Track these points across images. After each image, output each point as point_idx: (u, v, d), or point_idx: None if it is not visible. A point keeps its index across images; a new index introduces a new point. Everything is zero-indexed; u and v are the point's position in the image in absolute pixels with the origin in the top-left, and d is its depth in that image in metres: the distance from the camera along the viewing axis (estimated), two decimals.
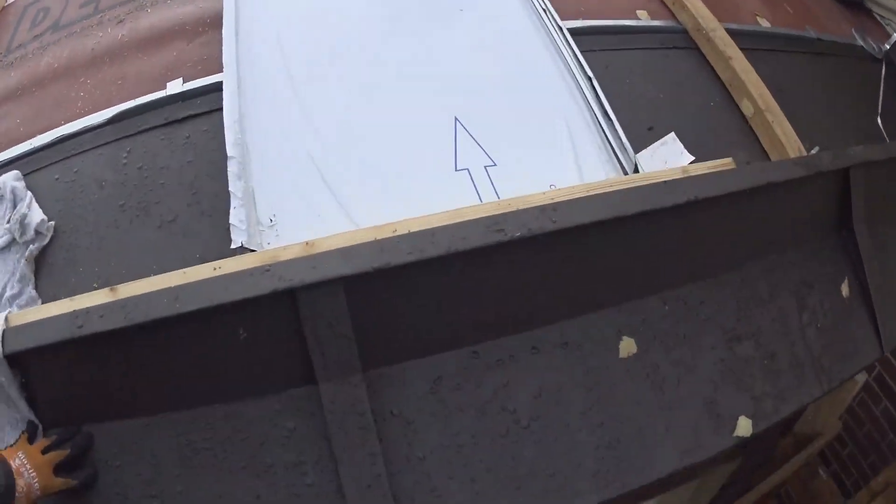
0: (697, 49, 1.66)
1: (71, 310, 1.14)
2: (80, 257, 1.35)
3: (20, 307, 1.34)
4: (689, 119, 1.49)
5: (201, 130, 1.36)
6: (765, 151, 1.56)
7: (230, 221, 1.13)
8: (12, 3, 1.99)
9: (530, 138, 1.32)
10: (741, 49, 1.63)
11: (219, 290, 1.07)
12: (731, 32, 1.67)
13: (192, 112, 1.37)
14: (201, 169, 1.31)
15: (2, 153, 1.57)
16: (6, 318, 1.22)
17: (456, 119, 1.31)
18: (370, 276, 1.05)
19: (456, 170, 1.24)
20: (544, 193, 1.16)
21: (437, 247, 1.05)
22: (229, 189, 1.16)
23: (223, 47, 1.39)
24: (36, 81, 1.65)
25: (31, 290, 1.37)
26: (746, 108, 1.58)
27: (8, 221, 1.45)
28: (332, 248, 1.07)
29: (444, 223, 1.09)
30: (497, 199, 1.19)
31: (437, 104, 1.34)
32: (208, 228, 1.23)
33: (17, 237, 1.43)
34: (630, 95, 1.47)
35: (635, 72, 1.54)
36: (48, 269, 1.37)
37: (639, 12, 1.70)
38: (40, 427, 1.15)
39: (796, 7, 2.06)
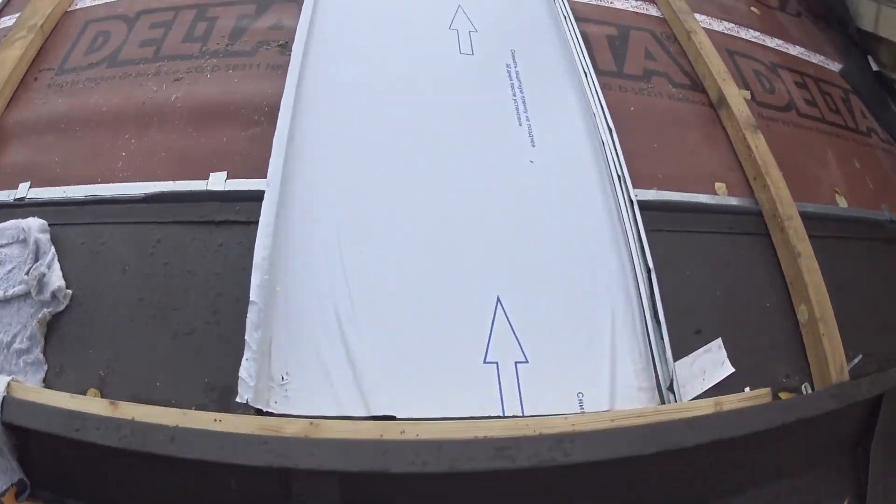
0: (768, 235, 1.59)
1: (70, 408, 1.16)
2: (92, 338, 1.34)
3: (26, 364, 1.35)
4: (740, 321, 1.45)
5: (235, 242, 1.33)
6: (807, 362, 1.52)
7: (239, 373, 1.10)
8: (75, 10, 1.93)
9: (570, 333, 1.28)
10: (812, 237, 1.57)
11: (215, 446, 1.07)
12: (805, 216, 1.61)
13: (229, 218, 1.33)
14: (227, 288, 1.28)
15: (34, 188, 1.54)
16: (8, 386, 1.24)
17: (498, 300, 1.27)
18: (368, 476, 1.03)
19: (485, 362, 1.20)
20: (566, 418, 1.13)
21: (440, 462, 1.03)
22: (245, 337, 1.12)
23: (270, 163, 1.34)
24: (82, 120, 1.62)
25: (38, 353, 1.37)
26: (801, 314, 1.53)
27: (27, 273, 1.44)
28: (336, 436, 1.06)
29: (455, 435, 1.07)
30: (517, 416, 1.15)
31: (482, 276, 1.31)
32: (222, 356, 1.21)
33: (34, 294, 1.41)
34: (686, 289, 1.43)
35: (698, 260, 1.49)
36: (60, 335, 1.36)
37: (717, 185, 1.65)
38: (29, 485, 1.18)
39: (877, 179, 1.99)
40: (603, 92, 1.69)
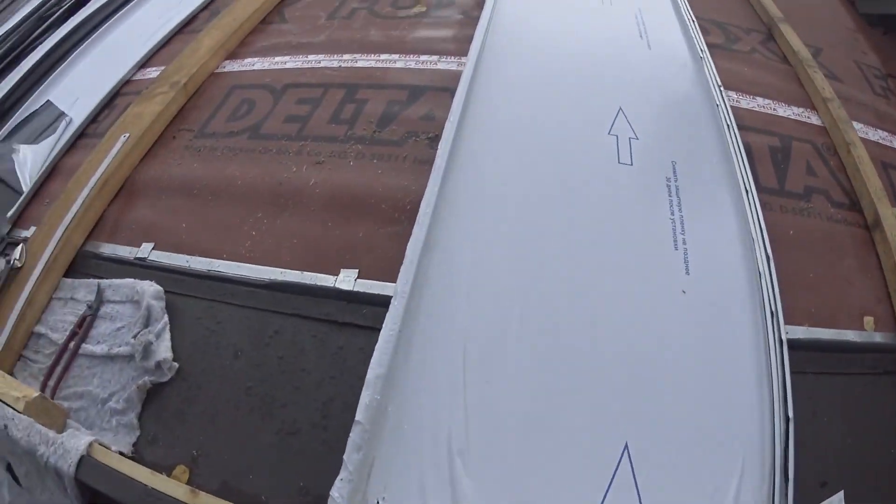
0: None
1: (150, 485, 1.42)
2: (192, 416, 1.61)
3: (119, 424, 1.66)
4: (870, 472, 1.56)
5: (357, 347, 1.57)
6: None
7: (331, 492, 1.29)
8: (222, 72, 2.36)
9: (694, 486, 1.40)
10: None
11: None
12: None
13: (354, 321, 1.58)
14: (340, 394, 1.51)
15: (157, 251, 1.88)
16: (90, 446, 1.53)
17: (626, 447, 1.41)
18: None
19: None
20: None
21: None
22: (344, 456, 1.32)
23: (401, 273, 1.59)
24: (215, 189, 1.98)
25: (133, 417, 1.67)
26: None
27: (134, 337, 1.74)
28: None
29: None
30: None
31: (612, 418, 1.46)
32: (323, 462, 1.42)
33: (138, 359, 1.71)
34: (819, 437, 1.55)
35: (836, 406, 1.62)
36: (158, 405, 1.65)
37: (865, 319, 1.78)
38: None
39: None
40: (763, 212, 1.88)
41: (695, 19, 2.73)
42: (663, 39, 2.63)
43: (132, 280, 1.85)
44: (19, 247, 2.04)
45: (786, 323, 1.66)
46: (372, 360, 1.44)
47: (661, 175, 1.97)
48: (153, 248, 1.90)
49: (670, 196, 1.91)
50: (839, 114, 2.30)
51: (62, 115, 2.43)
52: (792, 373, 1.58)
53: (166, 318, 1.77)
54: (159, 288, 1.80)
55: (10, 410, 1.59)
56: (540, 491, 1.38)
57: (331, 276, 1.68)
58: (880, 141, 2.37)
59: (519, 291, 1.64)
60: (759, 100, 2.39)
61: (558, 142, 2.04)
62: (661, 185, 1.93)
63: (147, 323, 1.78)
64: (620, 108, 2.19)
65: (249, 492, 1.44)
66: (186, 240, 1.89)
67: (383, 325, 1.49)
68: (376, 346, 1.45)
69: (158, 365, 1.68)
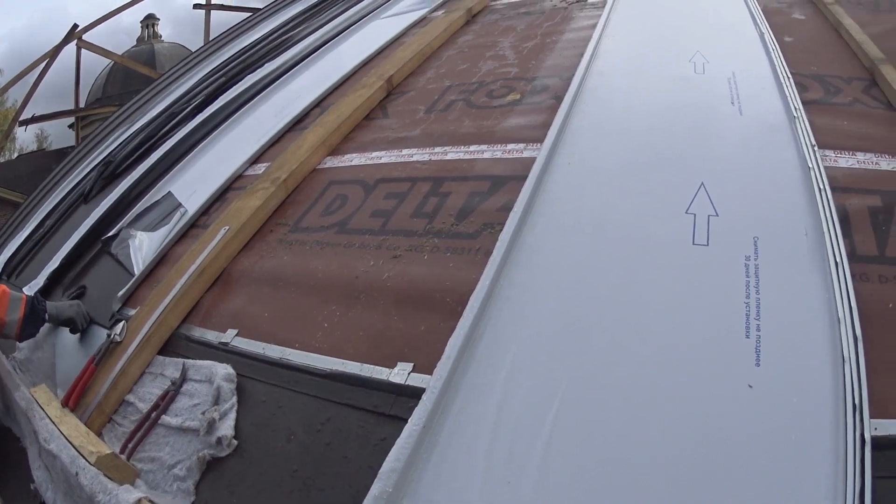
0: None
1: None
2: (241, 491, 2.02)
3: (179, 489, 2.13)
4: None
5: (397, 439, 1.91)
6: None
7: None
8: (324, 168, 2.95)
9: None
10: None
11: None
12: None
13: (399, 413, 1.91)
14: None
15: (239, 337, 2.40)
16: (138, 501, 2.01)
17: None
18: None
19: None
20: None
21: None
22: None
23: (439, 363, 1.89)
24: (297, 281, 2.48)
25: (191, 485, 2.13)
26: None
27: (203, 413, 2.24)
28: None
29: None
30: None
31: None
32: None
33: (202, 433, 2.19)
34: None
35: None
36: (214, 476, 2.09)
37: None
38: None
39: None
40: (858, 283, 1.92)
41: (790, 76, 2.93)
42: (756, 104, 2.86)
43: (211, 362, 2.35)
44: (121, 323, 2.66)
45: (877, 416, 1.66)
46: (390, 453, 1.70)
47: (739, 254, 2.10)
48: (236, 335, 2.40)
49: (747, 277, 2.02)
50: None
51: (179, 206, 3.12)
52: (880, 478, 1.57)
53: (234, 399, 2.22)
54: (231, 371, 2.27)
55: (84, 461, 2.12)
56: None
57: (387, 369, 2.03)
58: None
59: (560, 389, 1.83)
60: (860, 155, 2.48)
61: (629, 228, 2.26)
62: (738, 266, 2.06)
63: (216, 401, 2.27)
64: (702, 184, 2.39)
65: None
66: (266, 328, 2.36)
67: (410, 417, 1.77)
68: (398, 440, 1.73)
69: (219, 440, 2.12)
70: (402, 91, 3.50)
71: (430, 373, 1.96)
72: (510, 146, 2.83)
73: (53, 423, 2.46)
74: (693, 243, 2.19)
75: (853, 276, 1.98)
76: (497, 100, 3.24)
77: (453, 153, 2.85)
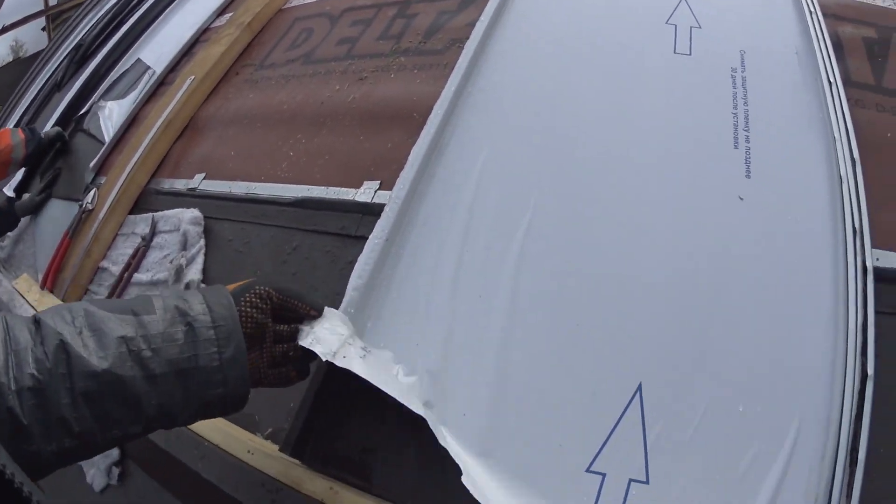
0: None
1: None
2: None
3: None
4: None
5: None
6: None
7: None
8: (289, 7, 2.49)
9: (725, 452, 1.17)
10: None
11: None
12: None
13: (366, 234, 1.55)
14: None
15: (207, 180, 2.03)
16: None
17: (639, 389, 1.25)
18: None
19: (587, 470, 1.17)
20: None
21: None
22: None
23: (402, 173, 1.55)
24: (264, 116, 2.08)
25: None
26: None
27: (171, 262, 1.89)
28: None
29: None
30: None
31: (631, 349, 1.29)
32: (315, 382, 1.41)
33: (170, 282, 1.85)
34: None
35: None
36: None
37: None
38: None
39: None
40: (854, 109, 1.60)
41: None
42: None
43: (179, 209, 2.01)
44: (92, 191, 2.30)
45: (876, 246, 1.37)
46: (353, 271, 1.40)
47: (726, 65, 1.76)
48: (204, 178, 2.04)
49: (734, 88, 1.70)
50: None
51: (147, 69, 2.71)
52: (880, 313, 1.28)
53: (202, 242, 1.89)
54: (198, 214, 1.93)
55: None
56: (525, 433, 1.24)
57: (353, 190, 1.68)
58: None
59: (532, 194, 1.52)
60: None
61: (602, 35, 1.90)
62: (724, 76, 1.73)
63: (184, 248, 1.93)
64: None
65: (245, 411, 1.49)
66: (233, 167, 2.00)
67: (371, 234, 1.45)
68: (360, 256, 1.42)
69: (188, 286, 1.81)
70: None
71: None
72: None
73: (33, 307, 2.19)
74: (675, 52, 1.82)
75: (849, 100, 1.63)
76: None
77: None
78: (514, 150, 1.64)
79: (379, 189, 1.66)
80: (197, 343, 0.93)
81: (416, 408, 1.19)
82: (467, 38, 1.88)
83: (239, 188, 1.92)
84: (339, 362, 1.19)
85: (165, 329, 0.92)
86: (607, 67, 1.81)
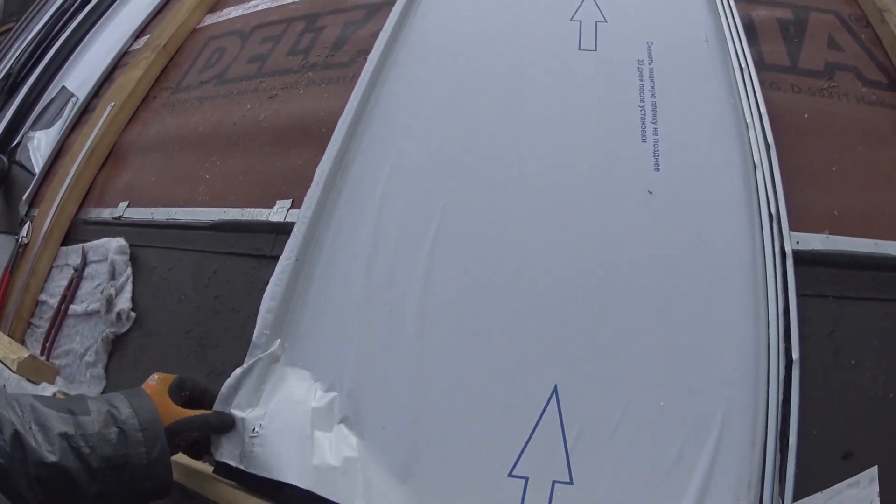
0: None
1: None
2: (143, 363, 1.71)
3: (92, 376, 1.83)
4: None
5: None
6: None
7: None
8: (203, 27, 2.45)
9: (651, 447, 1.17)
10: None
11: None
12: None
13: (280, 253, 1.54)
14: None
15: (131, 208, 2.03)
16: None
17: (555, 391, 1.24)
18: None
19: (510, 475, 1.17)
20: None
21: None
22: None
23: (308, 192, 1.55)
24: (181, 139, 2.07)
25: (101, 369, 1.83)
26: None
27: (101, 293, 1.87)
28: None
29: None
30: None
31: (543, 353, 1.29)
32: None
33: (102, 313, 1.84)
34: (842, 388, 1.24)
35: (867, 343, 1.28)
36: (121, 353, 1.79)
37: None
38: None
39: None
40: (768, 92, 1.59)
41: None
42: None
43: (105, 239, 1.98)
44: (27, 224, 2.26)
45: (797, 230, 1.36)
46: (266, 292, 1.40)
47: (633, 57, 1.73)
48: (128, 206, 2.02)
49: (641, 80, 1.67)
50: None
51: (72, 96, 2.65)
52: (803, 296, 1.27)
53: (129, 270, 1.86)
54: (122, 243, 1.90)
55: (8, 371, 1.81)
56: (441, 439, 1.24)
57: (267, 210, 1.68)
58: None
59: (438, 204, 1.50)
60: None
61: (506, 37, 1.87)
62: (630, 69, 1.70)
63: (112, 277, 1.90)
64: None
65: None
66: (154, 193, 1.98)
67: (281, 256, 1.45)
68: (271, 278, 1.42)
69: (118, 316, 1.80)
70: None
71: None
72: None
73: None
74: (579, 49, 1.79)
75: (762, 84, 1.62)
76: None
77: None
78: (418, 160, 1.63)
79: (291, 207, 1.65)
80: (128, 444, 1.08)
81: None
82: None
83: (160, 214, 1.91)
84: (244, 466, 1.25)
85: (100, 430, 1.06)
86: (510, 70, 1.78)
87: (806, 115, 1.59)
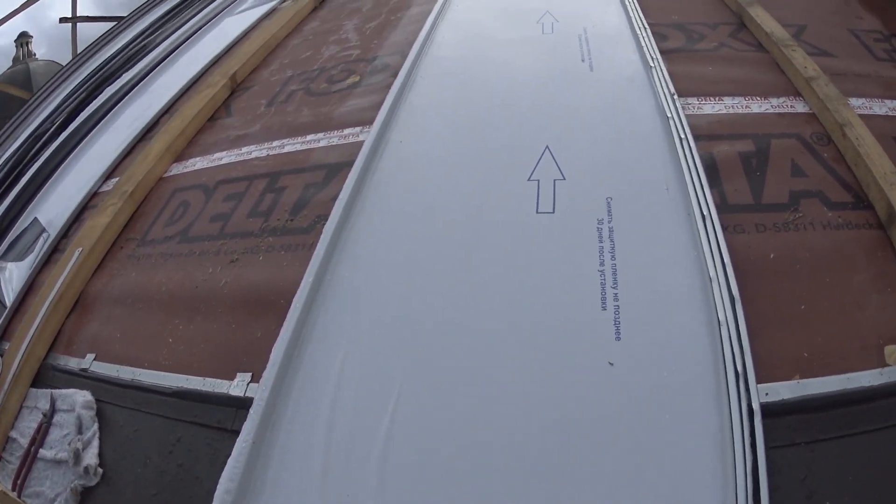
0: None
1: None
2: None
3: None
4: None
5: None
6: None
7: None
8: (169, 176, 2.50)
9: None
10: None
11: None
12: None
13: (240, 428, 1.59)
14: None
15: (97, 361, 2.04)
16: None
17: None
18: None
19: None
20: None
21: None
22: None
23: (264, 373, 1.59)
24: (145, 297, 2.11)
25: None
26: None
27: (69, 444, 1.88)
28: None
29: None
30: None
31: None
32: None
33: (70, 464, 1.84)
34: None
35: (844, 482, 1.27)
36: (90, 502, 1.78)
37: (887, 350, 1.39)
38: None
39: None
40: (732, 237, 1.58)
41: (647, 27, 2.51)
42: (609, 57, 2.44)
43: (74, 390, 1.99)
44: None
45: (766, 380, 1.34)
46: (223, 473, 1.44)
47: (592, 218, 1.72)
48: (94, 359, 2.04)
49: (601, 242, 1.65)
50: (827, 91, 1.96)
51: (43, 231, 2.66)
52: (774, 448, 1.27)
53: (96, 426, 1.89)
54: (90, 398, 1.93)
55: None
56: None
57: (227, 382, 1.72)
58: (889, 113, 1.98)
59: (394, 384, 1.53)
60: (727, 100, 2.09)
61: (464, 204, 1.89)
62: (590, 231, 1.69)
63: (80, 430, 1.92)
64: (547, 148, 1.99)
65: None
66: (119, 350, 2.01)
67: (238, 437, 1.49)
68: (229, 459, 1.46)
69: (86, 470, 1.81)
70: (246, 87, 3.03)
71: None
72: (346, 131, 2.40)
73: None
74: (537, 212, 1.79)
75: (726, 228, 1.61)
76: (336, 84, 2.80)
77: (290, 145, 2.45)
78: (373, 334, 1.65)
79: (251, 381, 1.70)
80: None
81: None
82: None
83: (125, 373, 1.94)
84: None
85: None
86: (466, 236, 1.78)
87: (772, 255, 1.57)
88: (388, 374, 1.56)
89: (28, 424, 2.09)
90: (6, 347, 2.28)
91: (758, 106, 2.06)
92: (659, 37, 2.48)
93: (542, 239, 1.72)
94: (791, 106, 2.05)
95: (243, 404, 1.65)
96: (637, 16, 2.65)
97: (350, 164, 2.15)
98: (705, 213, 1.65)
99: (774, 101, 2.07)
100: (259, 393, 1.57)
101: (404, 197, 2.00)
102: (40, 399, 2.11)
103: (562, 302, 1.57)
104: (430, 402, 1.50)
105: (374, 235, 1.89)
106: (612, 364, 1.43)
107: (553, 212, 1.78)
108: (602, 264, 1.61)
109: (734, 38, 2.48)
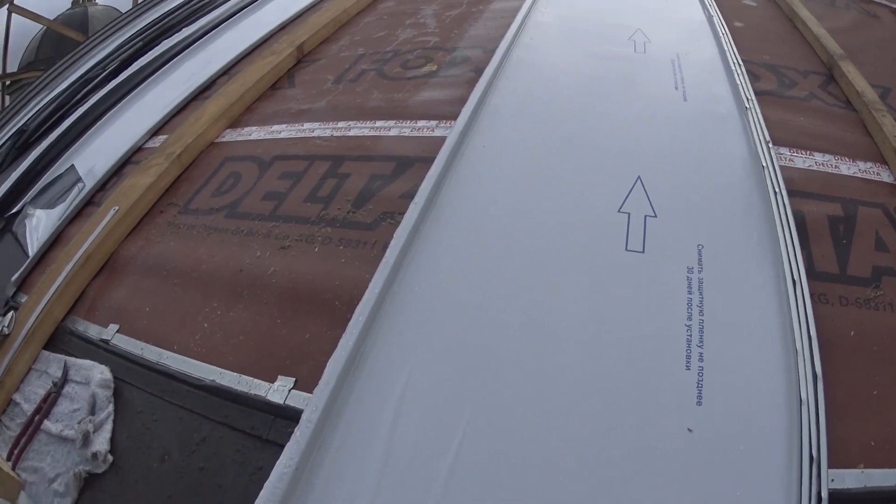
0: None
1: None
2: None
3: None
4: None
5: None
6: None
7: None
8: (221, 142, 2.28)
9: None
10: None
11: None
12: None
13: (278, 439, 1.40)
14: None
15: (120, 334, 1.82)
16: None
17: None
18: None
19: None
20: None
21: None
22: None
23: (315, 390, 1.37)
24: (181, 272, 1.89)
25: (69, 503, 1.59)
26: None
27: (79, 423, 1.66)
28: None
29: None
30: None
31: None
32: None
33: (77, 446, 1.63)
34: None
35: None
36: (92, 494, 1.57)
37: None
38: None
39: None
40: (818, 307, 1.45)
41: (741, 63, 2.31)
42: (703, 90, 2.22)
43: (91, 363, 1.77)
44: (10, 314, 2.03)
45: (833, 466, 1.23)
46: (259, 500, 1.22)
47: (682, 265, 1.55)
48: (117, 331, 1.82)
49: (689, 294, 1.49)
50: None
51: (78, 180, 2.44)
52: None
53: (111, 408, 1.67)
54: (108, 377, 1.71)
55: None
56: None
57: (266, 384, 1.50)
58: None
59: (463, 421, 1.33)
60: (818, 156, 1.91)
61: (550, 226, 1.69)
62: (679, 279, 1.51)
63: (92, 410, 1.70)
64: (639, 178, 1.80)
65: None
66: (146, 325, 1.79)
67: (279, 459, 1.27)
68: (266, 483, 1.24)
69: (95, 455, 1.60)
70: (312, 59, 2.79)
71: (312, 391, 1.40)
72: (420, 123, 2.16)
73: None
74: (626, 249, 1.61)
75: (813, 296, 1.47)
76: (411, 70, 2.55)
77: (357, 129, 2.20)
78: (441, 362, 1.43)
79: (293, 388, 1.47)
80: None
81: None
82: (400, 212, 1.72)
83: (151, 353, 1.71)
84: None
85: None
86: (550, 267, 1.59)
87: (852, 333, 1.45)
88: (454, 406, 1.35)
89: (34, 389, 1.88)
90: (23, 301, 2.07)
91: (846, 168, 1.90)
92: (752, 76, 2.27)
93: (630, 280, 1.55)
94: (877, 173, 1.88)
95: (282, 413, 1.44)
96: (731, 49, 2.44)
97: (422, 159, 1.93)
98: (796, 278, 1.50)
99: (862, 164, 1.91)
100: (307, 413, 1.34)
101: (483, 209, 1.77)
102: (52, 364, 1.89)
103: (645, 353, 1.41)
104: (496, 445, 1.30)
105: (448, 248, 1.67)
106: (690, 431, 1.29)
107: (643, 251, 1.60)
108: (689, 318, 1.45)
109: (824, 91, 2.28)
